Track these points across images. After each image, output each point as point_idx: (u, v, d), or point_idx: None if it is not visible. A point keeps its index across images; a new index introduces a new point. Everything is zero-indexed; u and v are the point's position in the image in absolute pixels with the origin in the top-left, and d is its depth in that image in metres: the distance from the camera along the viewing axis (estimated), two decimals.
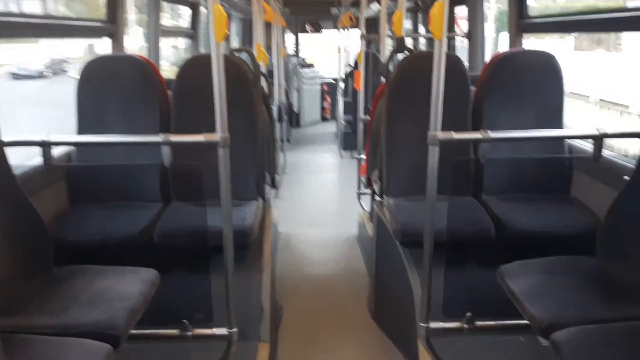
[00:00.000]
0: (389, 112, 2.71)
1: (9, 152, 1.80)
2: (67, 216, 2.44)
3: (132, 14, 4.05)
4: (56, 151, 2.47)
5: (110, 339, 1.51)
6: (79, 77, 2.65)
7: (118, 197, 2.57)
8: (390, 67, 2.85)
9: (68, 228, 2.30)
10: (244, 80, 2.68)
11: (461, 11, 4.41)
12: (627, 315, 1.56)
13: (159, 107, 2.67)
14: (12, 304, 1.62)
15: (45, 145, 1.97)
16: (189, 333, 2.07)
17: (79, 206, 2.55)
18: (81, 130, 2.62)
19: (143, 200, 2.58)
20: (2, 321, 1.53)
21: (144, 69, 2.68)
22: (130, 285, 1.76)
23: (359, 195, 4.44)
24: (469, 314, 2.07)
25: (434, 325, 2.06)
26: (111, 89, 2.64)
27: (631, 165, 1.90)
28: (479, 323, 2.08)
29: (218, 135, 1.87)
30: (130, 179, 2.61)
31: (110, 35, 3.17)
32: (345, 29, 7.39)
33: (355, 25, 5.88)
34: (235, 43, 7.95)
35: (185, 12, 4.98)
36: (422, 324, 2.06)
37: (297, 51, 9.99)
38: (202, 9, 4.99)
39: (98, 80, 2.64)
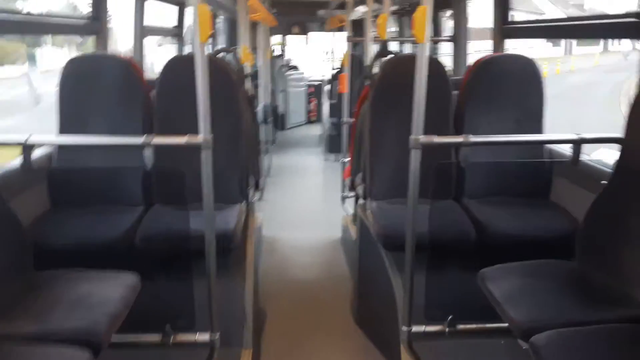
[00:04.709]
0: (372, 115, 2.72)
1: None
2: (47, 219, 2.41)
3: None
4: (37, 152, 2.43)
5: (90, 345, 1.49)
6: (60, 75, 2.62)
7: (99, 199, 2.54)
8: (375, 70, 2.87)
9: (48, 231, 2.27)
10: (228, 82, 2.67)
11: None
12: (605, 318, 1.59)
13: (142, 107, 2.64)
14: None
15: (25, 146, 1.94)
16: (171, 339, 2.05)
17: (59, 209, 2.51)
18: (62, 130, 2.58)
19: (125, 203, 2.55)
20: None
21: (126, 69, 2.65)
22: (111, 290, 1.74)
23: (343, 198, 4.45)
24: (450, 317, 2.08)
25: (416, 328, 2.07)
26: (93, 88, 2.60)
27: (609, 170, 1.93)
28: (461, 326, 2.10)
29: (201, 137, 1.85)
30: (112, 181, 2.58)
31: (94, 33, 3.13)
32: (332, 31, 7.41)
33: (342, 27, 5.89)
34: (221, 43, 7.91)
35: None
36: (405, 328, 2.07)
37: (283, 53, 9.97)
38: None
39: (80, 79, 2.60)
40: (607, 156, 2.19)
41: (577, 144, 1.98)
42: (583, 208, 1.93)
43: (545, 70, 10.18)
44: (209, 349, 2.04)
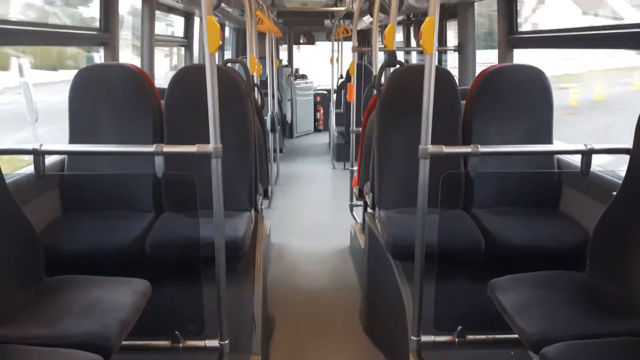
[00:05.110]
0: (380, 124, 2.73)
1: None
2: (59, 225, 2.43)
3: None
4: (49, 159, 2.46)
5: (101, 350, 1.50)
6: (71, 84, 2.65)
7: (110, 206, 2.57)
8: (382, 80, 2.88)
9: (60, 237, 2.29)
10: (237, 91, 2.69)
11: None
12: (617, 330, 1.58)
13: (152, 116, 2.67)
14: (3, 314, 1.61)
15: (37, 154, 1.96)
16: (181, 345, 2.06)
17: (71, 215, 2.54)
18: (73, 138, 2.61)
19: (135, 209, 2.58)
20: None
21: (137, 78, 2.69)
22: (122, 296, 1.76)
23: (352, 206, 4.45)
24: (460, 327, 2.08)
25: (425, 338, 2.07)
26: (104, 97, 2.63)
27: (619, 180, 1.93)
28: (470, 337, 2.09)
29: (211, 146, 1.87)
30: (123, 188, 2.61)
31: (103, 44, 3.17)
32: (339, 41, 7.45)
33: (349, 37, 5.93)
34: (228, 54, 7.97)
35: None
36: (414, 338, 2.07)
37: (290, 62, 10.03)
38: (196, 18, 5.02)
39: (91, 88, 2.64)
40: None
41: (587, 154, 1.98)
42: (593, 219, 1.92)
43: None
44: (218, 355, 2.05)
